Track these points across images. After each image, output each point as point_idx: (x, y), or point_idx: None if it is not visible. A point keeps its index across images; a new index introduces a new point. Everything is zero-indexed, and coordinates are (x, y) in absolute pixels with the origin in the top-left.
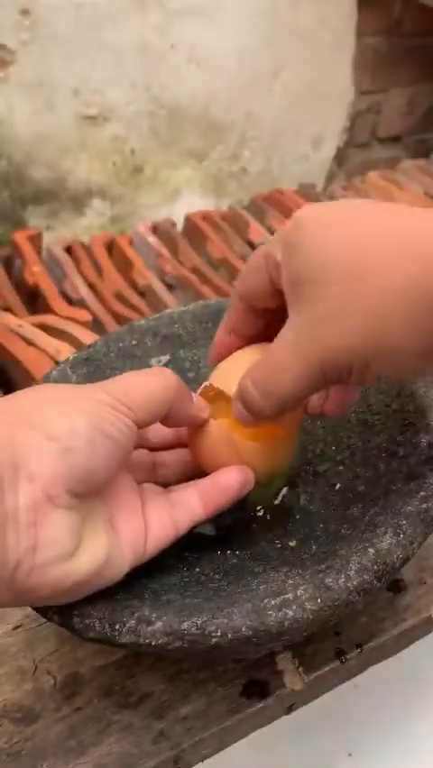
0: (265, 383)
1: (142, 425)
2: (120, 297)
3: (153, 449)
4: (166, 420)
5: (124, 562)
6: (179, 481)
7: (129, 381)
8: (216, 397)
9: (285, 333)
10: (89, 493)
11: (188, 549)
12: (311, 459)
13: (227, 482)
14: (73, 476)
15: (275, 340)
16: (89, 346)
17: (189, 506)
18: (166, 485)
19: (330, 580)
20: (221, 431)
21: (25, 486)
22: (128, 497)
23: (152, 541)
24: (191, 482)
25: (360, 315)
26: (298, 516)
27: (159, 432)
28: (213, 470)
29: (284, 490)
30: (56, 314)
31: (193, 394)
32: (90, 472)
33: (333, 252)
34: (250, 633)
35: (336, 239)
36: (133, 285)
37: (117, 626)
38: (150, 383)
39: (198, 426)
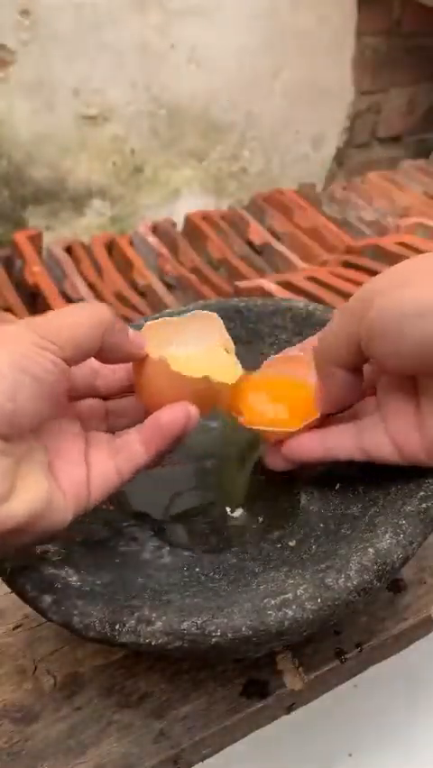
0: (322, 332)
1: (71, 361)
2: (120, 297)
3: (106, 397)
4: (101, 355)
5: (66, 510)
6: (118, 391)
7: (57, 317)
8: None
9: None
10: (21, 436)
11: (188, 549)
12: None
13: (168, 419)
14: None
15: None
16: None
17: (132, 451)
18: (105, 394)
19: (330, 579)
20: (161, 366)
21: None
22: (71, 444)
23: (95, 489)
24: (135, 426)
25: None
26: (298, 516)
27: (110, 378)
28: (156, 409)
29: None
30: None
31: (131, 330)
32: (15, 414)
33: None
34: (250, 633)
35: None
36: (133, 285)
37: (117, 626)
38: (78, 317)
39: (140, 364)
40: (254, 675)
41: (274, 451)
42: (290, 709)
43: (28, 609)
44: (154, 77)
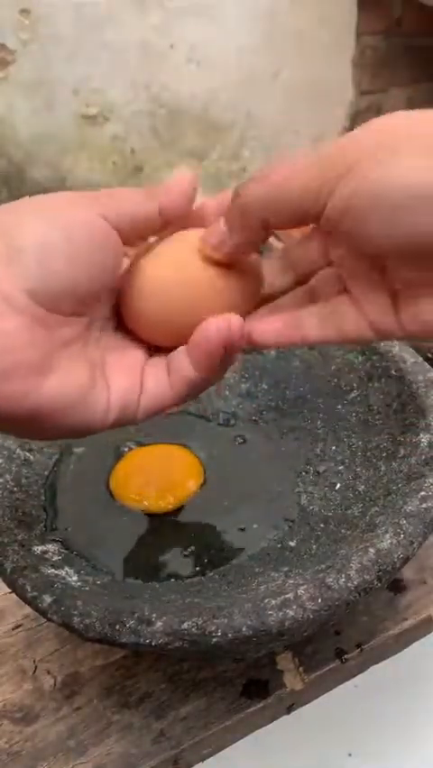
0: (265, 177)
1: (123, 232)
2: None
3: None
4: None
5: (108, 412)
6: None
7: (108, 191)
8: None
9: None
10: (66, 311)
11: (188, 549)
12: (311, 459)
13: (217, 331)
14: (31, 275)
15: None
16: None
17: (183, 367)
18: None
19: (330, 579)
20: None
21: None
22: (128, 349)
23: (145, 399)
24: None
25: (391, 123)
26: (298, 516)
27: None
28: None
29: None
30: None
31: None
32: (55, 275)
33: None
34: (250, 633)
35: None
36: None
37: (117, 626)
38: (134, 192)
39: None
40: (254, 675)
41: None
42: (290, 709)
43: (28, 609)
44: (154, 76)
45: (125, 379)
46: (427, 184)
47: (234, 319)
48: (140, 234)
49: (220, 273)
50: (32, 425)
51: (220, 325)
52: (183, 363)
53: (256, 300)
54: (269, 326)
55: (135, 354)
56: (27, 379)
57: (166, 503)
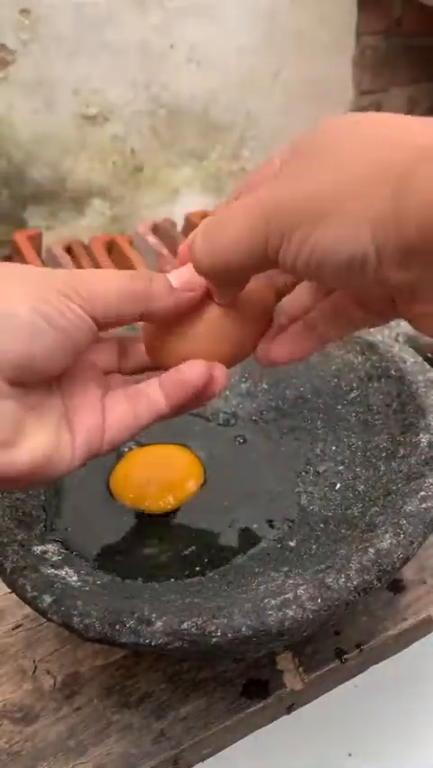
0: (210, 230)
1: (101, 321)
2: None
3: (131, 373)
4: (143, 318)
5: (72, 460)
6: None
7: (90, 272)
8: None
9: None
10: (34, 384)
11: (188, 549)
12: (311, 459)
13: (192, 377)
14: (8, 362)
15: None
16: None
17: (153, 400)
18: (140, 369)
19: (330, 579)
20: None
21: None
22: (88, 388)
23: (110, 436)
24: (156, 376)
25: (320, 177)
26: (298, 516)
27: (138, 358)
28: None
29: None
30: None
31: (175, 279)
32: (30, 360)
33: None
34: (250, 633)
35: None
36: None
37: (117, 626)
38: (112, 278)
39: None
40: (254, 675)
41: (279, 345)
42: (290, 709)
43: (28, 609)
44: (154, 76)
45: (88, 418)
46: (353, 255)
47: (216, 370)
48: (114, 326)
49: (229, 311)
50: (9, 486)
51: (198, 370)
52: (156, 398)
53: (267, 325)
54: (285, 349)
55: (95, 391)
56: (2, 454)
57: (166, 503)
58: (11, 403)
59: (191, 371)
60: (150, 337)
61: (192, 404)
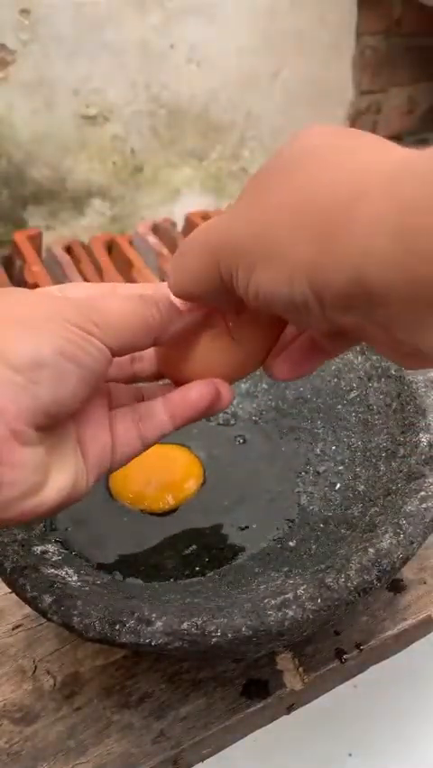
0: (176, 262)
1: (115, 350)
2: None
3: (146, 380)
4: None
5: (88, 483)
6: (156, 376)
7: (105, 300)
8: None
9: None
10: (59, 424)
11: (188, 549)
12: (311, 459)
13: (196, 397)
14: (39, 409)
15: None
16: None
17: (158, 419)
18: (144, 378)
19: (330, 579)
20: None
21: None
22: (97, 409)
23: (118, 455)
24: (161, 395)
25: (258, 217)
26: (298, 516)
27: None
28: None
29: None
30: None
31: (179, 303)
32: (58, 404)
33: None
34: (250, 633)
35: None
36: None
37: (117, 626)
38: (126, 307)
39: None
40: (254, 675)
41: (281, 363)
42: (290, 709)
43: (28, 609)
44: (154, 77)
45: (98, 440)
46: (291, 300)
47: (222, 388)
48: (127, 354)
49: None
50: (37, 520)
51: (203, 391)
52: (161, 417)
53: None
54: (290, 365)
55: (102, 411)
56: (33, 500)
57: (165, 503)
58: (39, 449)
59: (196, 392)
60: (160, 352)
61: (197, 419)
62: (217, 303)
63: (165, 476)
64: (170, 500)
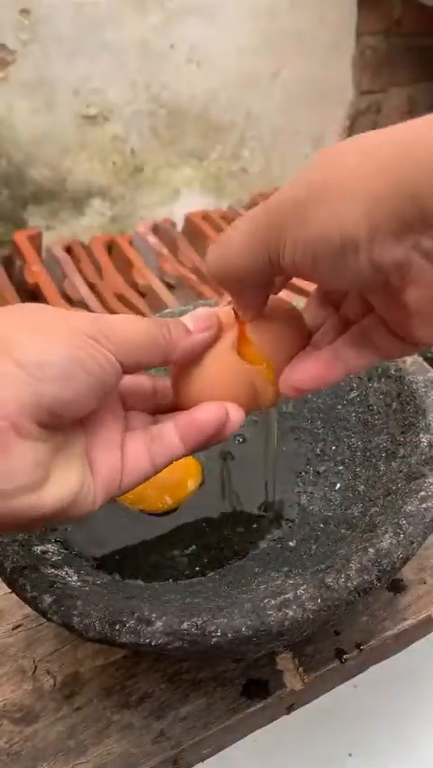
0: (220, 240)
1: (126, 366)
2: (120, 297)
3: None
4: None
5: (94, 500)
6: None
7: (119, 318)
8: None
9: None
10: (64, 426)
11: (188, 549)
12: (311, 459)
13: (205, 419)
14: (42, 407)
15: None
16: None
17: (168, 442)
18: (168, 411)
19: (330, 579)
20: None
21: None
22: (110, 428)
23: (127, 477)
24: (171, 415)
25: (316, 173)
26: (298, 516)
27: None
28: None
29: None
30: None
31: (190, 324)
32: (63, 405)
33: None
34: (250, 633)
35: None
36: (134, 285)
37: (117, 626)
38: (139, 326)
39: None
40: (254, 675)
41: (286, 381)
42: (290, 709)
43: (28, 609)
44: (154, 77)
45: (108, 459)
46: (344, 234)
47: (232, 410)
48: (137, 371)
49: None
50: (36, 527)
51: (211, 412)
52: (172, 440)
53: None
54: (310, 372)
55: (115, 429)
56: (30, 497)
57: (164, 503)
58: (40, 446)
59: (205, 414)
60: (172, 378)
61: (209, 444)
62: (254, 281)
63: (164, 476)
64: (168, 500)
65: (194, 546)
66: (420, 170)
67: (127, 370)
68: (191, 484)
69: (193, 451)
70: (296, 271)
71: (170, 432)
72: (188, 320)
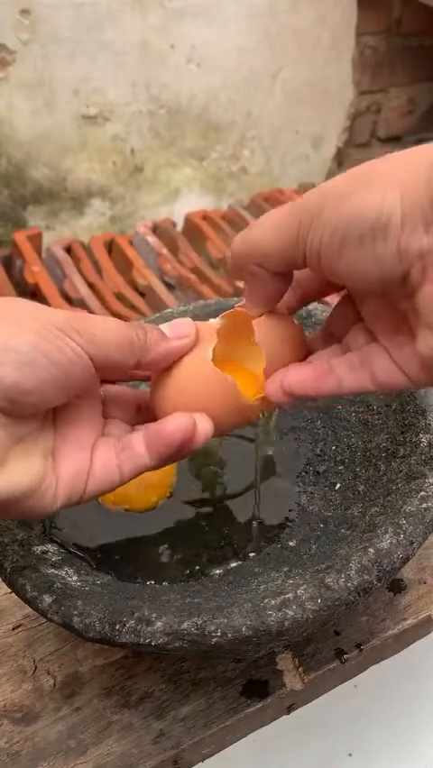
0: (252, 223)
1: (98, 363)
2: (120, 297)
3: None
4: (138, 368)
5: (54, 499)
6: None
7: (93, 317)
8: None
9: None
10: (26, 415)
11: (188, 548)
12: (311, 459)
13: (172, 429)
14: (1, 391)
15: None
16: None
17: (136, 452)
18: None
19: (330, 579)
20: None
21: None
22: (82, 432)
23: (93, 483)
24: (144, 425)
25: (348, 174)
26: (298, 517)
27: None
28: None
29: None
30: None
31: (169, 332)
32: (23, 393)
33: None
34: (250, 633)
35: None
36: (133, 285)
37: (117, 626)
38: (111, 324)
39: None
40: (254, 675)
41: (277, 382)
42: (290, 709)
43: (28, 609)
44: (154, 77)
45: (74, 462)
46: (379, 213)
47: (201, 421)
48: (112, 373)
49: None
50: None
51: (179, 423)
52: (140, 450)
53: (300, 355)
54: (302, 376)
55: (88, 433)
56: None
57: (148, 500)
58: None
59: (170, 425)
60: (150, 388)
61: (176, 456)
62: (275, 265)
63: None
64: (153, 498)
65: (194, 546)
66: None
67: (100, 367)
68: (167, 477)
69: (161, 462)
70: (317, 256)
71: (139, 442)
72: (165, 328)
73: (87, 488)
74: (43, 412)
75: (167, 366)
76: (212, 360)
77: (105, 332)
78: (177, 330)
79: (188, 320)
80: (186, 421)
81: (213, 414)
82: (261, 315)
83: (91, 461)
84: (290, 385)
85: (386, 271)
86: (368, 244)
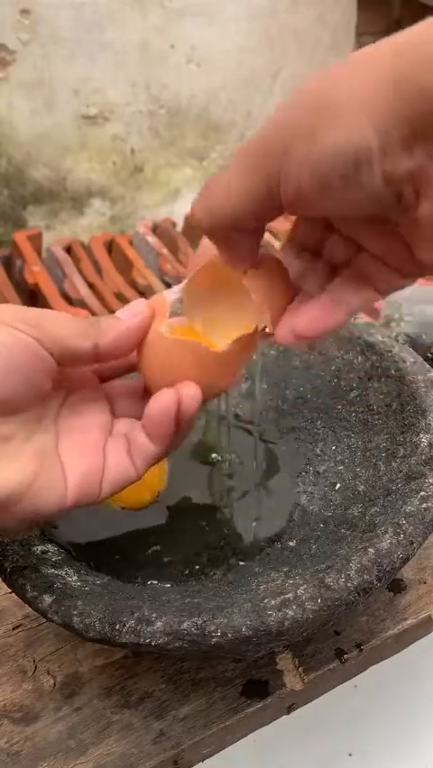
0: (208, 183)
1: (56, 354)
2: (120, 297)
3: (107, 378)
4: (100, 359)
5: (63, 498)
6: None
7: (44, 311)
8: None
9: None
10: (2, 413)
11: (188, 548)
12: (311, 459)
13: (157, 409)
14: None
15: None
16: None
17: (141, 443)
18: None
19: (330, 579)
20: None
21: None
22: (90, 430)
23: (108, 481)
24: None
25: (314, 87)
26: (298, 516)
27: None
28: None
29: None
30: None
31: (124, 317)
32: None
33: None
34: (250, 633)
35: None
36: (133, 285)
37: (117, 626)
38: (64, 316)
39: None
40: (254, 675)
41: (287, 328)
42: (290, 709)
43: (28, 609)
44: (154, 77)
45: (85, 460)
46: (358, 147)
47: (183, 389)
48: (74, 362)
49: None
50: None
51: (163, 400)
52: (142, 440)
53: (288, 299)
54: (311, 316)
55: (96, 433)
56: None
57: (142, 498)
58: None
59: (155, 404)
60: (142, 371)
61: (177, 431)
62: (250, 224)
63: None
64: (147, 495)
65: (194, 546)
66: (420, 68)
67: (60, 356)
68: (160, 472)
69: (166, 444)
70: (298, 201)
71: (141, 432)
72: (118, 312)
73: (102, 485)
74: (28, 410)
75: (133, 347)
76: (181, 327)
77: (56, 319)
78: (129, 311)
79: (140, 300)
80: (167, 396)
81: (194, 379)
82: (247, 271)
83: (105, 459)
84: (300, 327)
85: (374, 201)
86: (353, 178)
